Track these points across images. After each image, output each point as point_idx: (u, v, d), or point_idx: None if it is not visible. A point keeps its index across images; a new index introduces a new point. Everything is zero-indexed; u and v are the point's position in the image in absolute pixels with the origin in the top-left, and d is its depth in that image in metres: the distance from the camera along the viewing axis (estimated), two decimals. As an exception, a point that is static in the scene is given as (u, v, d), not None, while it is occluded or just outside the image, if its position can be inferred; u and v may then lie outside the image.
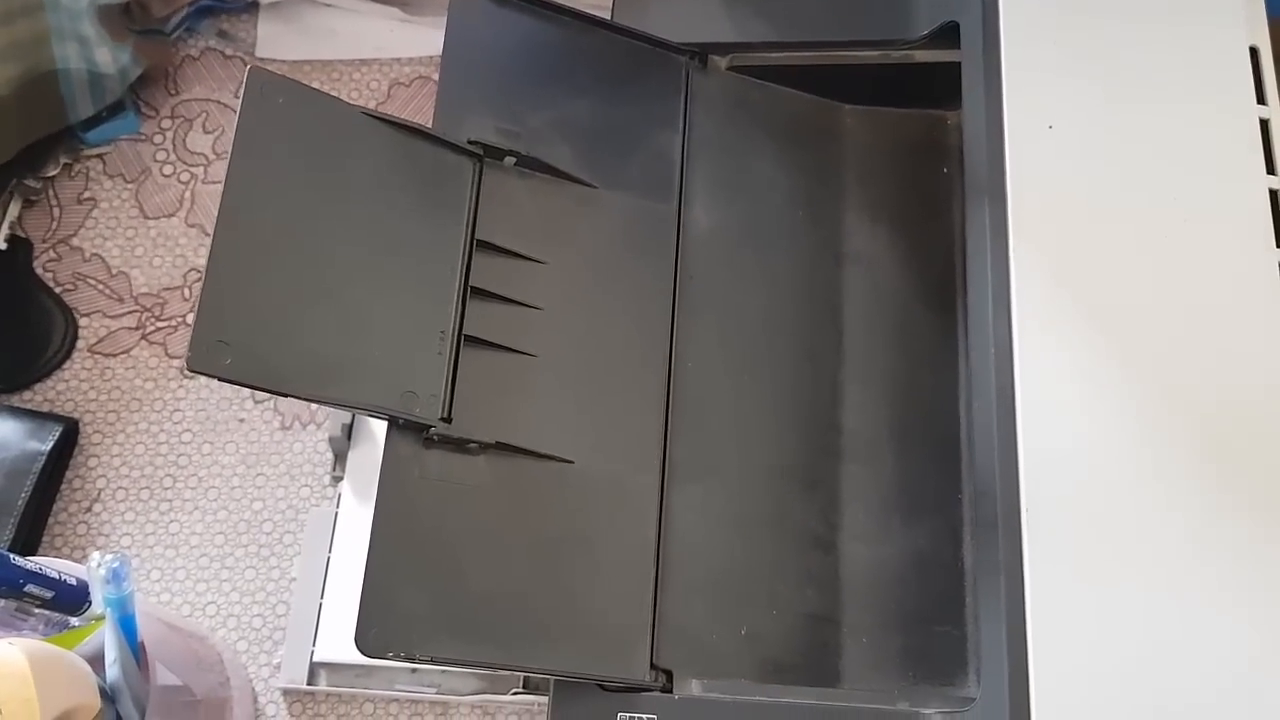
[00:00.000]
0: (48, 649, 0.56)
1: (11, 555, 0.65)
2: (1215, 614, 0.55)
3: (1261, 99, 0.65)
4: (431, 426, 0.61)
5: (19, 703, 0.50)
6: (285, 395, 0.59)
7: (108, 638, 0.62)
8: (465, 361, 0.64)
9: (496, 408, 0.64)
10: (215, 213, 0.95)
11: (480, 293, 0.65)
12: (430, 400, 0.62)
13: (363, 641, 0.57)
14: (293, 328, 0.59)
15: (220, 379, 0.57)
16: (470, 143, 0.67)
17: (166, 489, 0.90)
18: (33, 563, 0.66)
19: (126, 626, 0.65)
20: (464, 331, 0.64)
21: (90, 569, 0.64)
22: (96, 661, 0.64)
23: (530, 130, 0.69)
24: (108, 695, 0.61)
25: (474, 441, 0.62)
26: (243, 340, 0.57)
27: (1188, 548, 0.56)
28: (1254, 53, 0.66)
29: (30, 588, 0.66)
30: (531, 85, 0.71)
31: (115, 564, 0.62)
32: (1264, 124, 0.64)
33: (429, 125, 0.67)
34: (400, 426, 0.61)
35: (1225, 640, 0.55)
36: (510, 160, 0.68)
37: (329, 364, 0.60)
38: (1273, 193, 0.63)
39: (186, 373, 0.92)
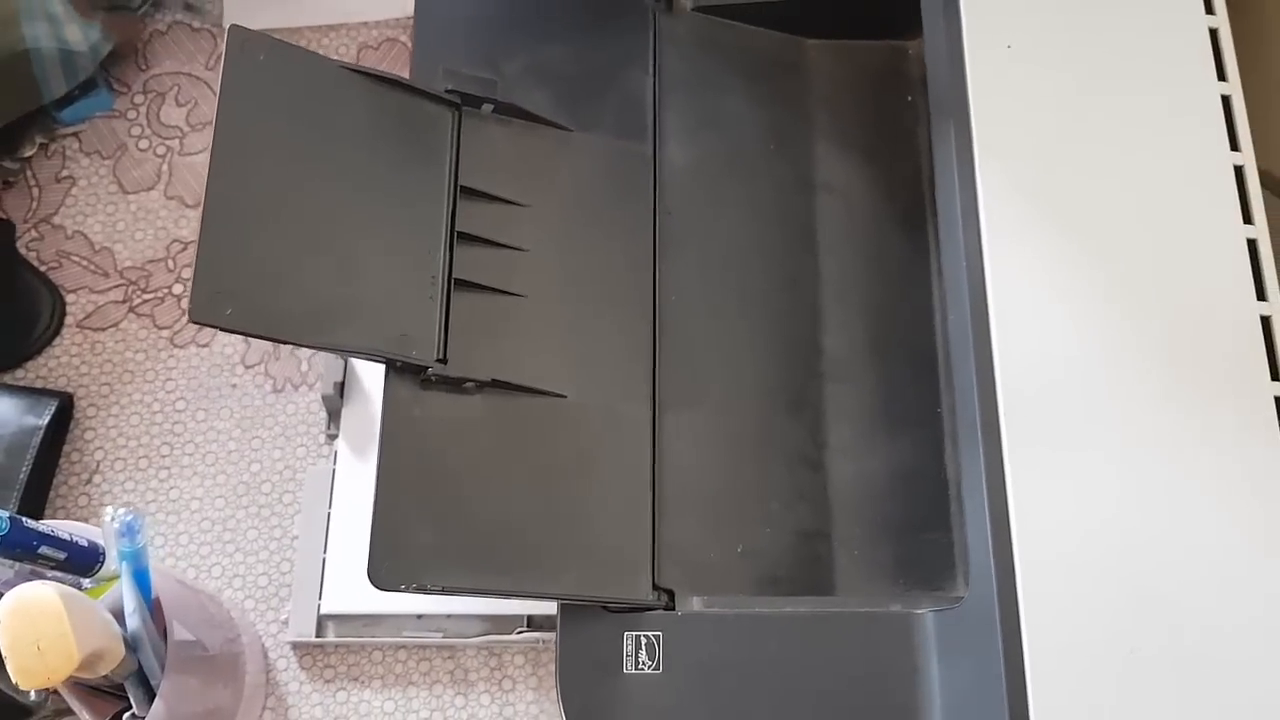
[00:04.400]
0: (75, 592, 0.58)
1: (24, 519, 0.67)
2: (1194, 503, 0.58)
3: (1209, 9, 0.68)
4: (428, 367, 0.63)
5: (56, 637, 0.52)
6: (285, 342, 0.61)
7: (125, 589, 0.64)
8: (457, 304, 0.65)
9: (490, 347, 0.66)
10: (195, 184, 0.99)
11: (466, 237, 0.67)
12: (425, 342, 0.64)
13: (376, 576, 0.59)
14: (289, 277, 0.61)
15: (222, 329, 0.58)
16: (448, 92, 0.68)
17: (164, 456, 0.91)
18: (45, 525, 0.68)
19: (142, 581, 0.67)
20: (454, 275, 0.66)
21: (104, 524, 0.65)
22: (116, 615, 0.66)
23: (506, 77, 0.71)
24: (130, 646, 0.63)
25: (470, 380, 0.64)
26: (242, 290, 0.59)
27: (1162, 438, 0.59)
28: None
29: (44, 549, 0.67)
30: (504, 33, 0.72)
31: (128, 517, 0.63)
32: (1213, 33, 0.67)
33: (406, 77, 0.68)
34: (398, 369, 0.63)
35: (1207, 527, 0.57)
36: (488, 107, 0.69)
37: (326, 311, 0.62)
38: (1225, 98, 0.66)
39: (177, 343, 0.94)
